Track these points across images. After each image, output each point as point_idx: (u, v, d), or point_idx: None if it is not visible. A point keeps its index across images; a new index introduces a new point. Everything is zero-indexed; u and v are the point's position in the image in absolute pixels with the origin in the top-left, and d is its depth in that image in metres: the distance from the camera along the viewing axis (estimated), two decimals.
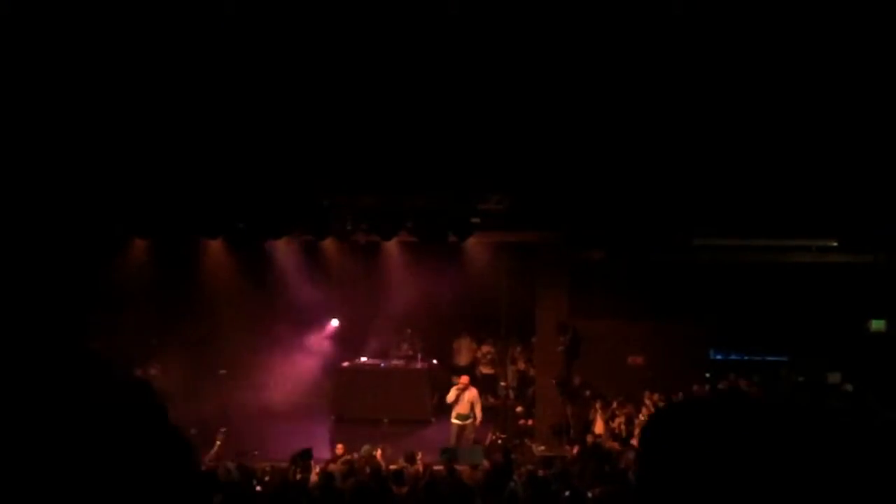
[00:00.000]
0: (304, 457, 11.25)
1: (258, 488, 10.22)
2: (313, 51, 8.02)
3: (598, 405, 13.99)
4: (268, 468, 10.92)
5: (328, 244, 15.71)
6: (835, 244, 14.45)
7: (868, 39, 7.66)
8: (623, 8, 7.29)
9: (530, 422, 15.45)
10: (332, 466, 11.33)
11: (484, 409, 16.99)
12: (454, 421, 13.84)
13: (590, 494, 9.37)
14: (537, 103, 9.48)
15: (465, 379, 14.21)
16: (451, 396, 13.96)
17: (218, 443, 11.96)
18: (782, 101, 9.39)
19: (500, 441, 14.22)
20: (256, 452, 11.31)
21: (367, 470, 10.76)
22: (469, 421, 13.82)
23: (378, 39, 7.73)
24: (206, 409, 13.54)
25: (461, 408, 13.82)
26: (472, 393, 13.99)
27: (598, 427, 13.55)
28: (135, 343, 14.44)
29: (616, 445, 12.34)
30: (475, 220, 12.92)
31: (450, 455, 11.61)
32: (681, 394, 14.09)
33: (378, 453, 11.76)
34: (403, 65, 8.50)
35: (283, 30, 7.55)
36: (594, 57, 8.32)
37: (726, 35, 7.70)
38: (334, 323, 17.32)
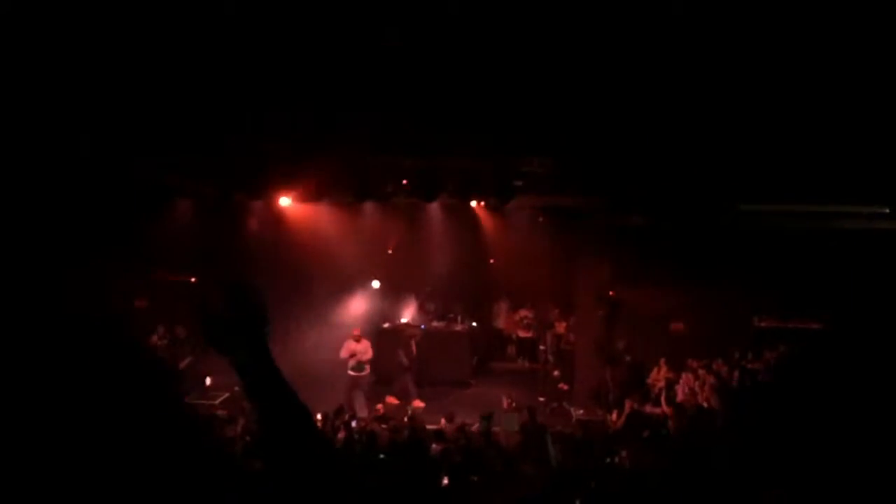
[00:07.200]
0: (339, 414, 11.54)
1: None
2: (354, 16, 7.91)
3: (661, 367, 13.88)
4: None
5: (367, 206, 15.75)
6: (886, 211, 14.05)
7: None
8: None
9: (566, 386, 15.47)
10: (372, 425, 11.49)
11: (522, 373, 17.07)
12: (349, 372, 14.10)
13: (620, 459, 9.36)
14: (580, 65, 9.29)
15: (356, 331, 14.45)
16: (345, 352, 14.19)
17: None
18: (830, 64, 9.09)
19: (539, 402, 14.22)
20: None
21: (407, 431, 10.88)
22: (363, 373, 14.15)
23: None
24: None
25: (354, 360, 14.10)
26: (363, 345, 14.23)
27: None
28: (173, 302, 14.66)
29: (657, 411, 12.27)
30: (517, 182, 12.76)
31: (488, 419, 11.70)
32: (720, 360, 13.98)
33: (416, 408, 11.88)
34: (445, 25, 8.37)
35: None
36: (638, 19, 8.11)
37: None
38: (375, 284, 17.38)
